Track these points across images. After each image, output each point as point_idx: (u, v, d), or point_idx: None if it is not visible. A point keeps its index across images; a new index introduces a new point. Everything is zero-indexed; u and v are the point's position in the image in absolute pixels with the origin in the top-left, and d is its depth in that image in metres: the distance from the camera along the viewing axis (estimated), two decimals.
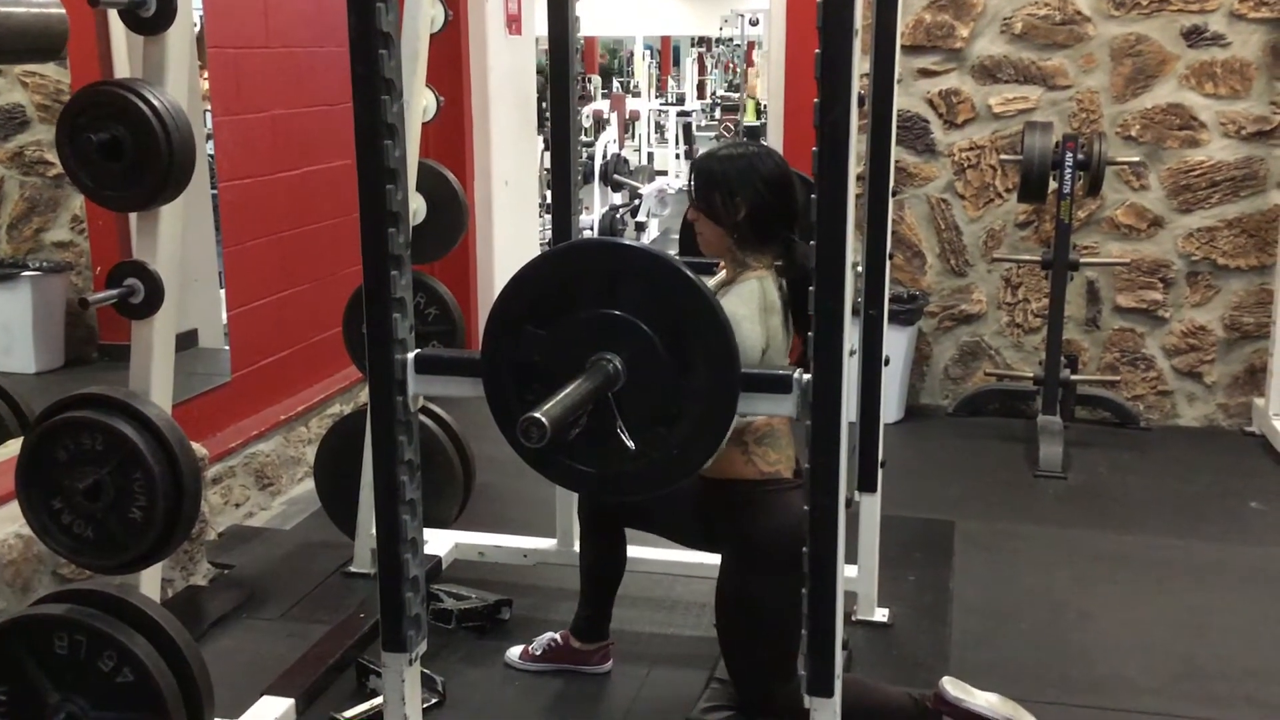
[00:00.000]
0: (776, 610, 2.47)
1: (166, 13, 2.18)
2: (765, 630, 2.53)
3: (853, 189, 1.88)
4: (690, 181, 2.57)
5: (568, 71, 3.14)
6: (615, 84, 15.54)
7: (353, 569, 3.56)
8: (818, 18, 1.82)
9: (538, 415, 1.69)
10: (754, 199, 2.43)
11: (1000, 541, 3.87)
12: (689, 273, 1.89)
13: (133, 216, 4.44)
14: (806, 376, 1.94)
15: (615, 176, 9.67)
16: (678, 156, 13.49)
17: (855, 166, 1.91)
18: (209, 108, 4.03)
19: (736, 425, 2.45)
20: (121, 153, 2.14)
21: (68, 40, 2.19)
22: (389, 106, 2.03)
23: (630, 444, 1.88)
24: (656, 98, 15.11)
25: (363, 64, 2.00)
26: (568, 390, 1.80)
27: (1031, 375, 4.83)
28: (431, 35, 3.25)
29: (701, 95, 17.26)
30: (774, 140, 5.29)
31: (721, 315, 1.87)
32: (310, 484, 4.01)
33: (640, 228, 9.76)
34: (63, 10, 2.19)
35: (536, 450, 1.81)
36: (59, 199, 4.55)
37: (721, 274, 2.55)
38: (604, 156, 9.58)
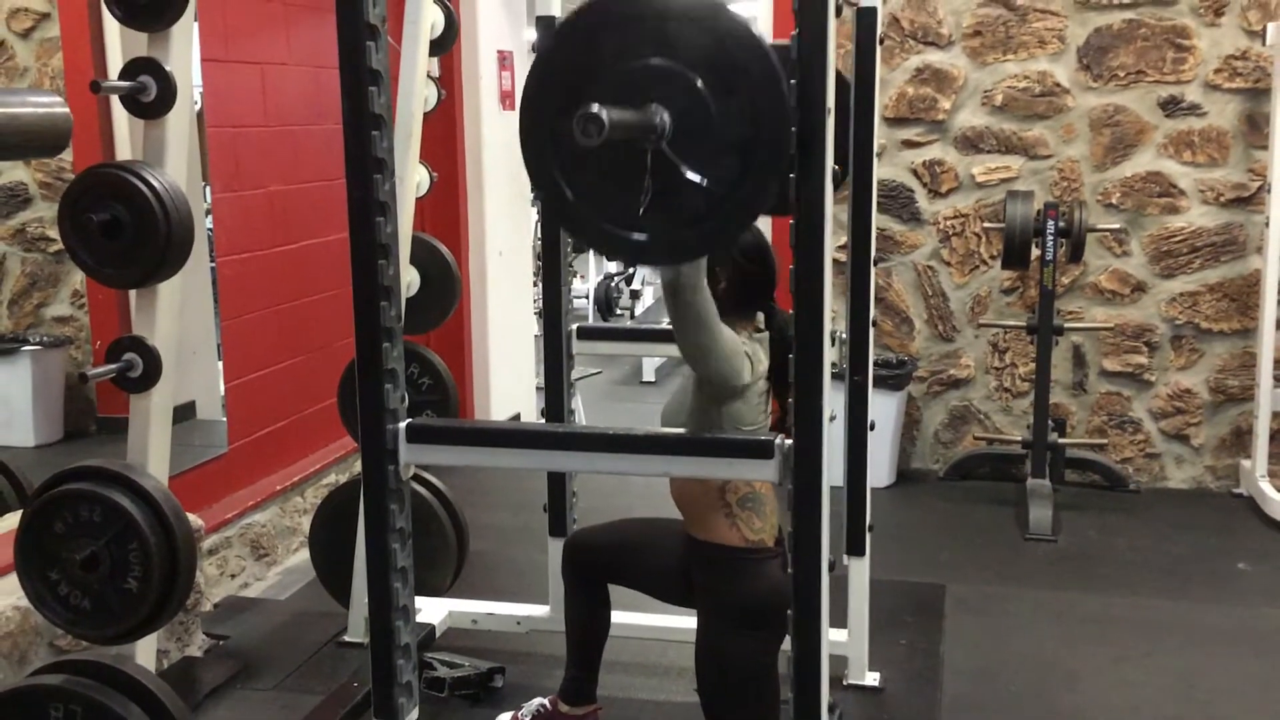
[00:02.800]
0: (753, 670, 2.51)
1: (166, 98, 2.26)
2: (742, 690, 2.55)
3: (830, 258, 1.95)
4: None
5: None
6: None
7: (347, 638, 3.58)
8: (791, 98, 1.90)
9: (595, 109, 1.63)
10: (733, 270, 2.50)
11: (990, 604, 3.89)
12: (730, 10, 1.81)
13: (132, 292, 4.53)
14: (788, 442, 1.99)
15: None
16: None
17: (833, 236, 1.98)
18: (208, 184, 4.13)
19: (718, 484, 2.50)
20: (121, 232, 2.22)
21: (71, 137, 2.27)
22: (381, 185, 2.11)
23: (699, 178, 1.79)
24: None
25: (356, 145, 2.08)
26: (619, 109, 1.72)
27: (1020, 439, 4.88)
28: (425, 114, 3.35)
29: None
30: None
31: (773, 58, 1.78)
32: (305, 554, 4.04)
33: (635, 295, 9.84)
34: (67, 110, 2.27)
35: (586, 217, 1.81)
36: (59, 274, 4.62)
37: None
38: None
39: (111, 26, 3.78)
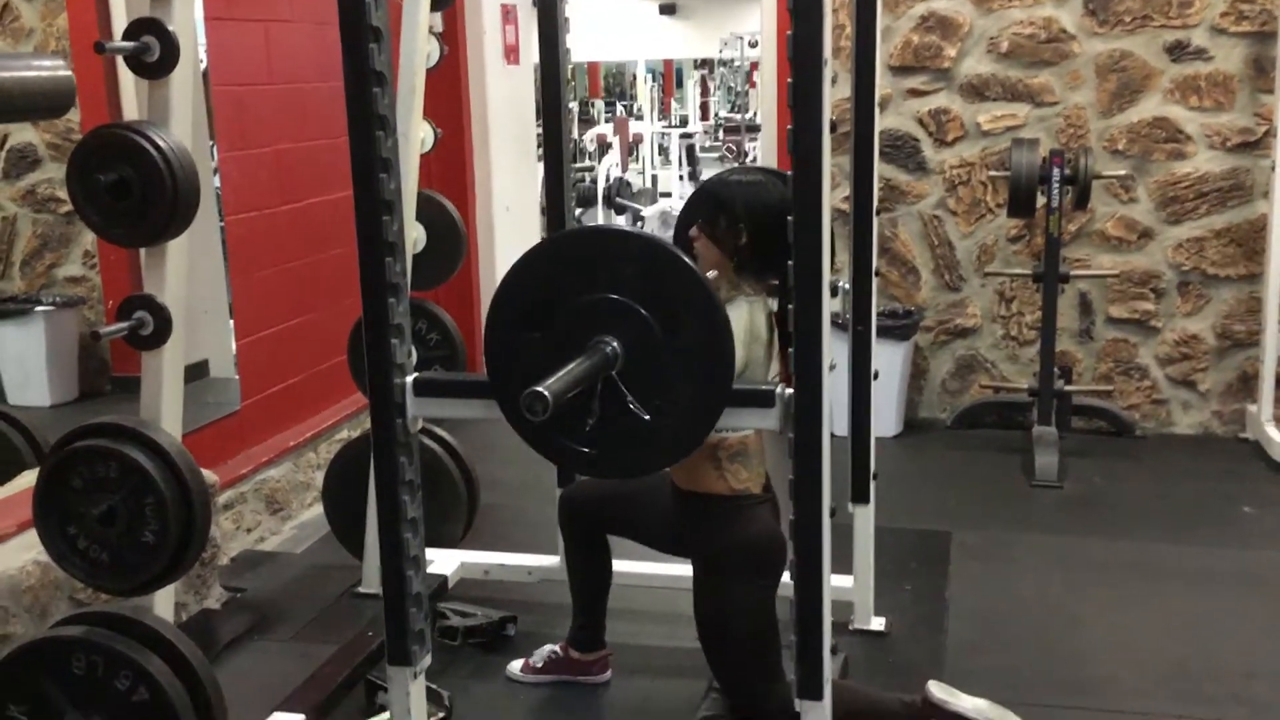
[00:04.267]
0: (748, 616, 2.56)
1: (169, 58, 2.28)
2: (740, 636, 2.61)
3: (828, 209, 1.97)
4: (696, 202, 2.64)
5: (560, 101, 3.24)
6: (619, 107, 15.67)
7: (362, 590, 3.64)
8: (788, 49, 1.92)
9: (540, 389, 1.77)
10: (758, 227, 2.50)
11: (996, 551, 3.94)
12: (676, 250, 1.98)
13: (141, 251, 4.57)
14: (789, 391, 2.03)
15: (618, 199, 9.81)
16: (681, 178, 13.60)
17: (831, 188, 2.00)
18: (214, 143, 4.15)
19: (711, 440, 2.54)
20: (129, 192, 2.25)
21: (74, 99, 2.30)
22: (384, 141, 2.13)
23: (644, 415, 1.95)
24: (659, 120, 15.24)
25: (357, 102, 2.10)
26: (567, 368, 1.87)
27: (1027, 387, 4.90)
28: (428, 70, 3.36)
29: (705, 117, 17.39)
30: (768, 160, 5.38)
31: (711, 292, 1.96)
32: (320, 508, 4.10)
33: None
34: (70, 73, 2.30)
35: (540, 431, 1.94)
36: (70, 235, 4.65)
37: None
38: (607, 179, 9.70)
39: None
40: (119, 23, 4.34)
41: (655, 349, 1.94)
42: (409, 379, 2.21)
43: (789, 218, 2.53)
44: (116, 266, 4.65)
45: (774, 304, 2.59)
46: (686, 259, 1.98)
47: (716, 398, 1.99)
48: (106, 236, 2.33)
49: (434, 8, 3.40)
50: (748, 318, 2.49)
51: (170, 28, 2.26)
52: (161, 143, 2.25)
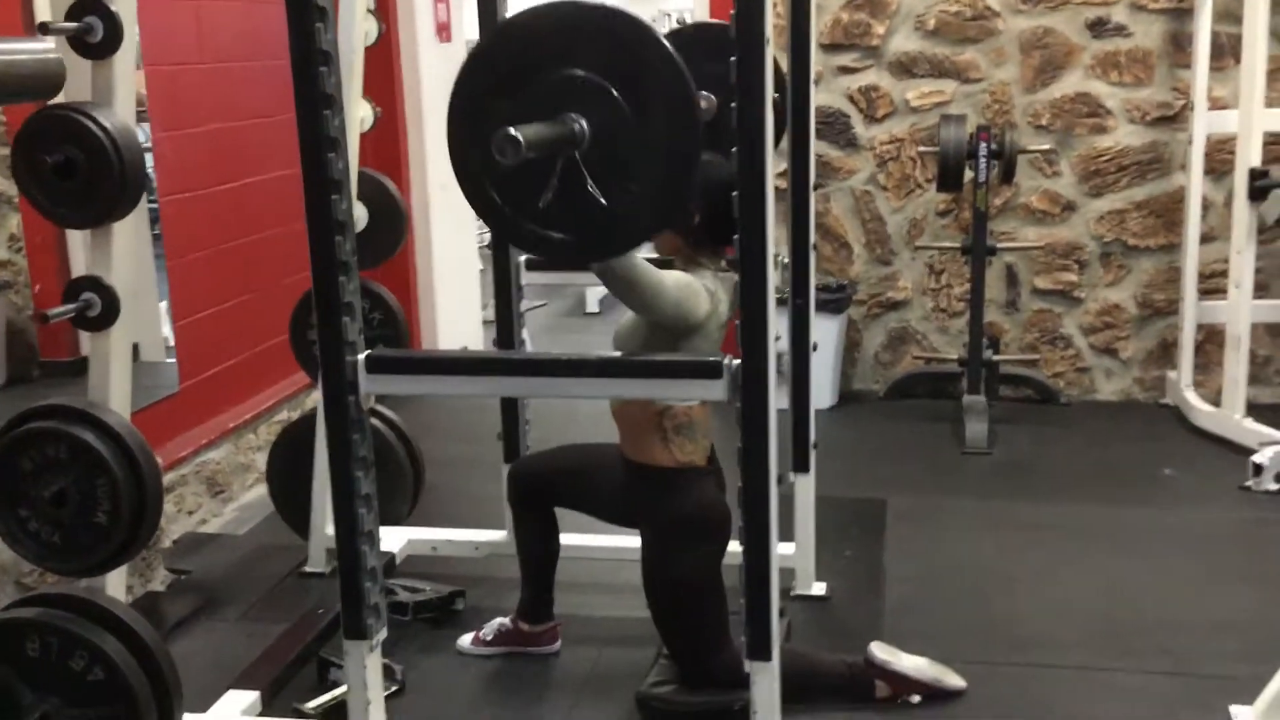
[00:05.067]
0: (695, 584, 2.64)
1: (113, 38, 2.28)
2: (688, 604, 2.68)
3: (771, 185, 2.03)
4: None
5: None
6: None
7: (308, 569, 3.66)
8: (731, 28, 1.97)
9: (512, 131, 1.75)
10: (710, 204, 2.55)
11: (930, 516, 4.05)
12: (648, 25, 1.96)
13: (82, 233, 4.51)
14: (736, 362, 2.09)
15: None
16: None
17: (778, 163, 2.06)
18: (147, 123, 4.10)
19: (657, 410, 2.60)
20: (75, 172, 2.24)
21: (64, 81, 2.29)
22: (331, 121, 2.14)
23: (602, 199, 1.93)
24: None
25: (304, 82, 2.11)
26: (537, 124, 1.85)
27: (956, 357, 5.03)
28: (367, 48, 3.36)
29: None
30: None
31: (680, 64, 1.92)
32: (261, 490, 4.10)
33: None
34: (60, 56, 2.29)
35: (514, 218, 1.95)
36: None
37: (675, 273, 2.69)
38: None
39: None
40: (41, 2, 4.29)
41: (622, 132, 1.92)
42: (361, 356, 2.23)
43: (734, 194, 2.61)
44: (43, 250, 4.58)
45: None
46: (669, 44, 1.93)
47: (677, 187, 1.98)
48: (52, 217, 2.33)
49: None
50: (725, 291, 2.55)
51: (113, 8, 2.25)
52: (106, 122, 2.24)
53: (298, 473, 3.59)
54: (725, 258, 2.63)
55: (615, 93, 1.91)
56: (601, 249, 2.12)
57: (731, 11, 1.95)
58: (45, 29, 2.20)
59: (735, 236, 2.03)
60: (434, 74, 5.62)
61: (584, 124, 1.92)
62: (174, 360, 4.30)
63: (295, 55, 2.09)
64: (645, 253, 2.74)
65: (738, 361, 2.07)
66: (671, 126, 1.93)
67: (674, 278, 2.43)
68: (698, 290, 2.49)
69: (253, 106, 4.47)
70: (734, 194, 2.01)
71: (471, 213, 6.75)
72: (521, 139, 1.75)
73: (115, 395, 2.42)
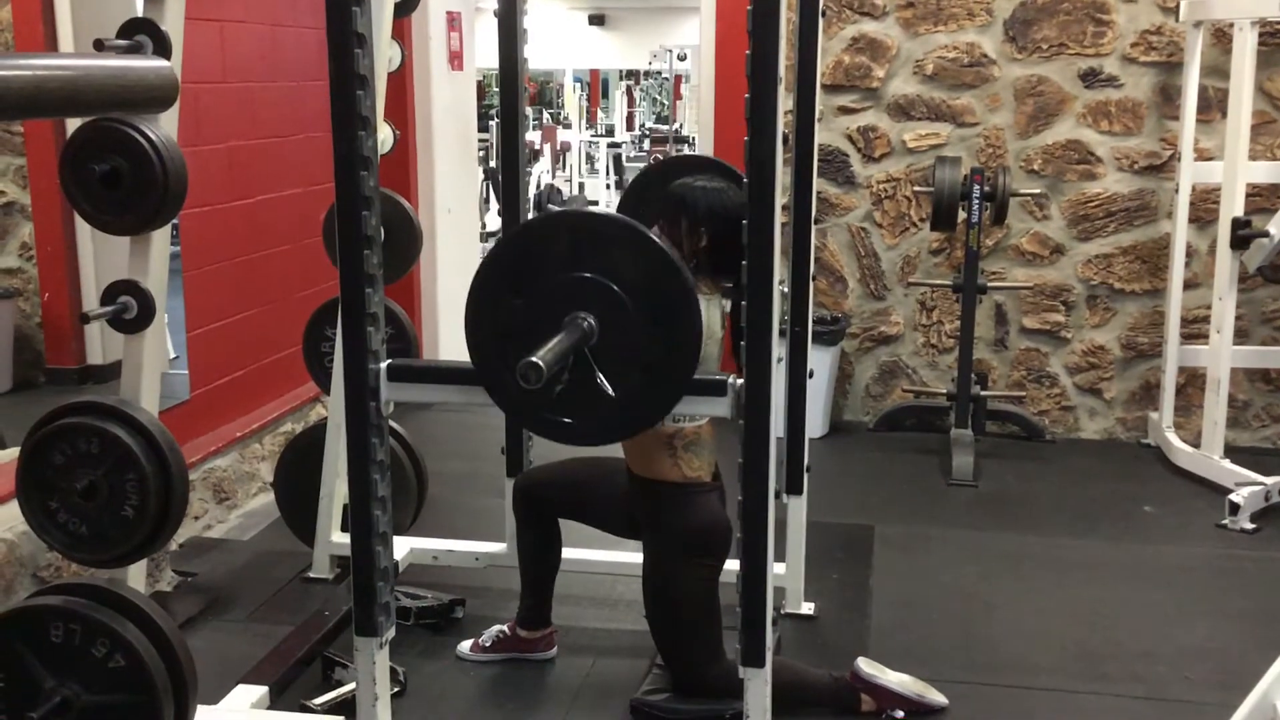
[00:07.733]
0: (694, 595, 2.74)
1: (162, 55, 2.40)
2: (686, 614, 2.79)
3: (778, 217, 2.17)
4: (662, 202, 2.81)
5: (516, 108, 3.40)
6: (545, 115, 15.85)
7: (311, 574, 3.75)
8: (746, 66, 2.11)
9: (535, 359, 1.92)
10: (718, 232, 2.67)
11: (916, 543, 4.17)
12: (655, 238, 2.13)
13: (95, 244, 4.63)
14: (740, 381, 2.21)
15: (548, 206, 9.96)
16: (608, 187, 13.81)
17: (780, 197, 2.20)
18: None
19: (668, 430, 2.72)
20: (120, 182, 2.36)
21: (178, 93, 2.45)
22: (365, 141, 2.27)
23: (610, 391, 2.09)
24: (587, 129, 15.42)
25: (342, 103, 2.23)
26: (552, 342, 2.02)
27: (945, 392, 5.16)
28: (389, 73, 3.50)
29: (630, 127, 17.62)
30: None
31: (687, 276, 2.09)
32: (265, 497, 4.20)
33: None
34: (173, 66, 2.44)
35: (527, 403, 2.10)
36: (8, 227, 4.68)
37: None
38: (537, 186, 9.87)
39: None
40: (63, 14, 4.42)
41: (629, 328, 2.08)
42: (383, 365, 2.35)
43: (744, 221, 2.74)
44: (54, 259, 4.70)
45: (728, 305, 2.78)
46: (671, 250, 2.12)
47: (681, 378, 2.14)
48: (96, 223, 2.44)
49: (397, 15, 3.54)
50: (705, 314, 2.67)
51: (163, 27, 2.38)
52: (153, 135, 2.37)
53: (305, 481, 3.69)
54: (723, 285, 2.74)
55: (619, 290, 2.08)
56: (606, 435, 2.28)
57: (747, 51, 2.09)
58: (100, 45, 2.33)
59: (744, 263, 2.15)
60: (445, 101, 5.77)
61: (593, 321, 2.08)
62: (178, 371, 4.39)
63: (335, 78, 2.22)
64: None
65: (741, 381, 2.20)
66: (672, 322, 2.10)
67: None
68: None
69: (270, 126, 4.60)
70: (743, 222, 2.14)
71: (476, 235, 6.84)
72: (543, 365, 1.92)
73: (146, 394, 2.53)
